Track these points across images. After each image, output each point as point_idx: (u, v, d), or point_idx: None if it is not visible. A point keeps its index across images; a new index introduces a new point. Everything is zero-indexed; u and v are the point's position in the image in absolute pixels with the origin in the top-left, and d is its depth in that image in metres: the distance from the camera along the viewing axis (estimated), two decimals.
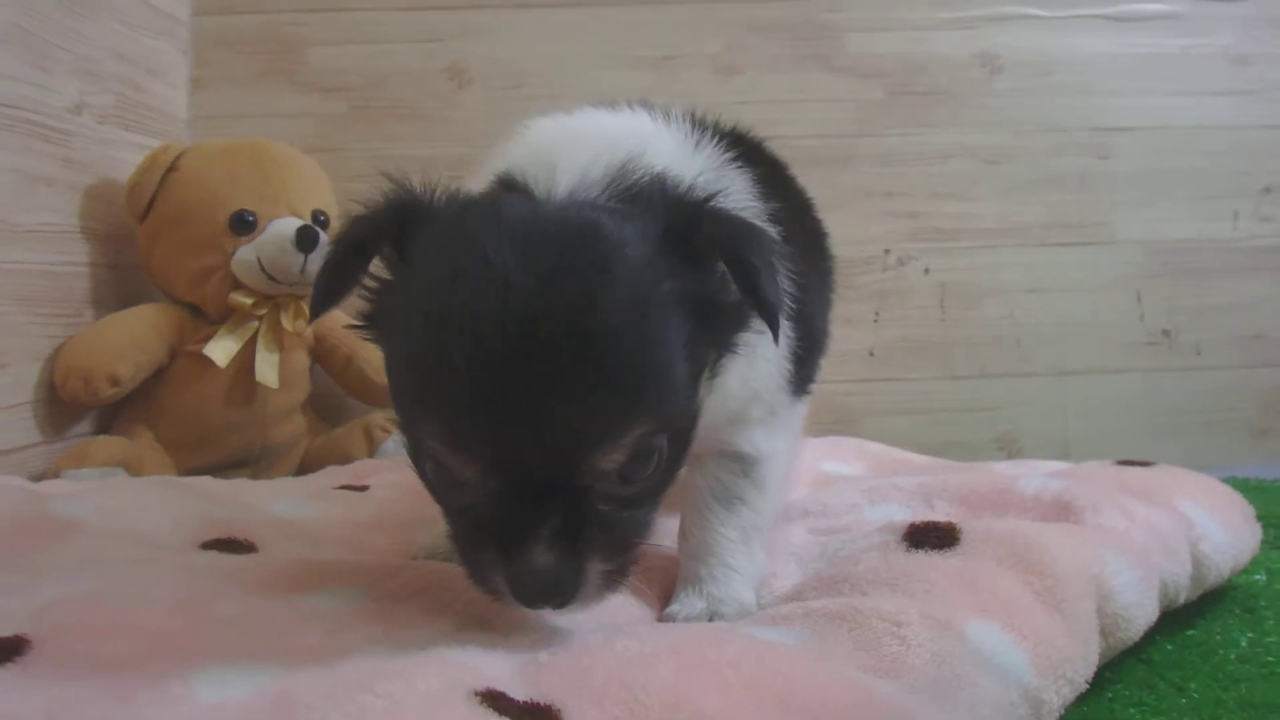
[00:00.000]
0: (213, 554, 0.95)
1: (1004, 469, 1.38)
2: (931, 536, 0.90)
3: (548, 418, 0.64)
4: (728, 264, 0.71)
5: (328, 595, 0.79)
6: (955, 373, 1.89)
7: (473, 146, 1.89)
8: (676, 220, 0.71)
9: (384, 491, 1.30)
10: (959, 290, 1.89)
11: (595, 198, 0.73)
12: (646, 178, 0.74)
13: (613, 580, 0.71)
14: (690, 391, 0.72)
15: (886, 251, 1.89)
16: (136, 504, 1.06)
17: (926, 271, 1.89)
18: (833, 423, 1.83)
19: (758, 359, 0.82)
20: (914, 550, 0.89)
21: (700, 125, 0.88)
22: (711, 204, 0.73)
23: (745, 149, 0.90)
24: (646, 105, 0.92)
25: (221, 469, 1.57)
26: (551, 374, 0.63)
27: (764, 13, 1.91)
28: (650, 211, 0.71)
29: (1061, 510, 1.03)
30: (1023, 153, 1.90)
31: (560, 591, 0.68)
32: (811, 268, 0.92)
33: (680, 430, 0.72)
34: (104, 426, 1.57)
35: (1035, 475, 1.16)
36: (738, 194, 0.81)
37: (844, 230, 1.89)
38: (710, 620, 0.85)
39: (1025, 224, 1.90)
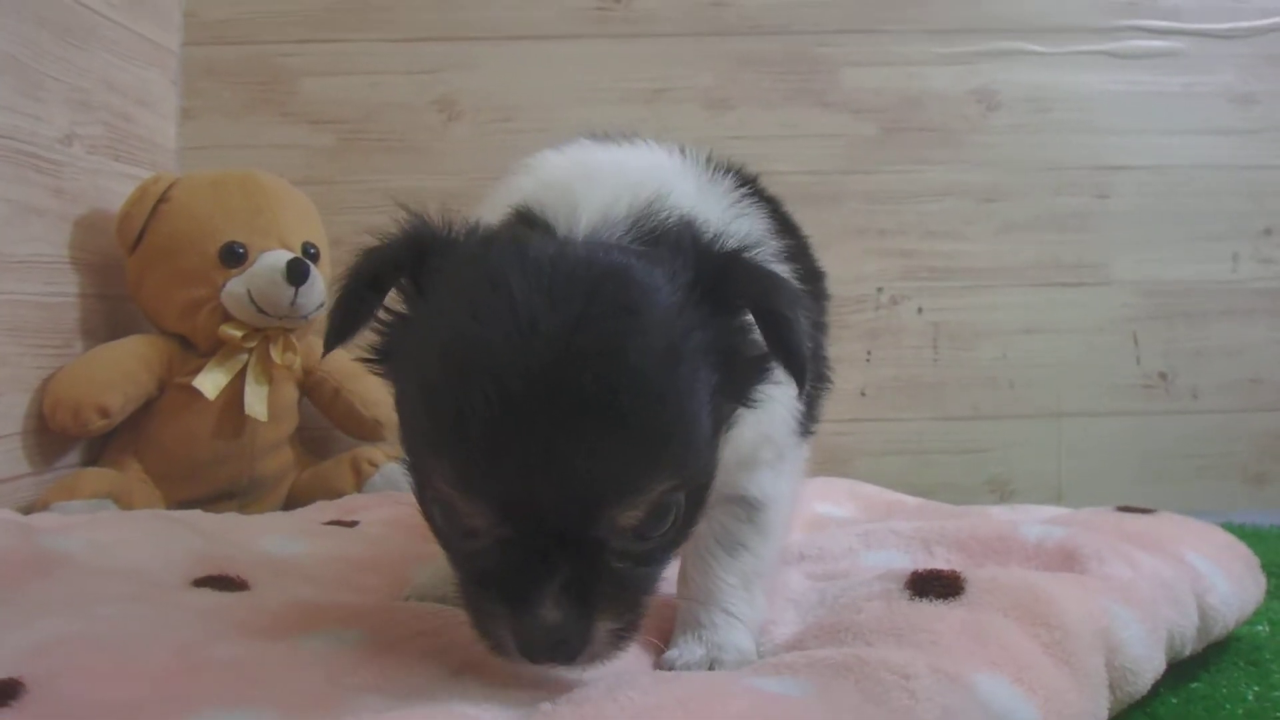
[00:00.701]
0: (205, 591, 0.95)
1: (1000, 514, 1.38)
2: (935, 585, 0.90)
3: (567, 469, 0.62)
4: (757, 316, 0.70)
5: (325, 638, 0.80)
6: (948, 413, 1.87)
7: (462, 179, 1.92)
8: (707, 269, 0.70)
9: (374, 528, 1.31)
10: (952, 330, 1.88)
11: (619, 238, 0.72)
12: (672, 220, 0.73)
13: (622, 638, 0.70)
14: (711, 446, 0.71)
15: (879, 290, 1.88)
16: (127, 539, 1.08)
17: (920, 311, 1.88)
18: (823, 463, 1.82)
19: (772, 403, 0.81)
20: (918, 599, 0.89)
21: (710, 162, 0.88)
22: (745, 255, 0.73)
23: (751, 187, 0.90)
24: (646, 139, 0.93)
25: (209, 501, 1.59)
26: (575, 423, 0.62)
27: (757, 47, 1.91)
28: (680, 257, 0.70)
29: (1066, 559, 1.03)
30: (1019, 191, 1.90)
31: (567, 649, 0.67)
32: (818, 306, 0.94)
33: (699, 487, 0.71)
34: (93, 458, 1.59)
35: (1035, 522, 1.17)
36: (755, 234, 0.81)
37: (836, 268, 1.88)
38: (710, 668, 0.84)
39: (1020, 264, 1.89)
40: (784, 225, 0.92)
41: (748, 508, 0.89)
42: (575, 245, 0.70)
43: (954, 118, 1.91)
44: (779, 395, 0.80)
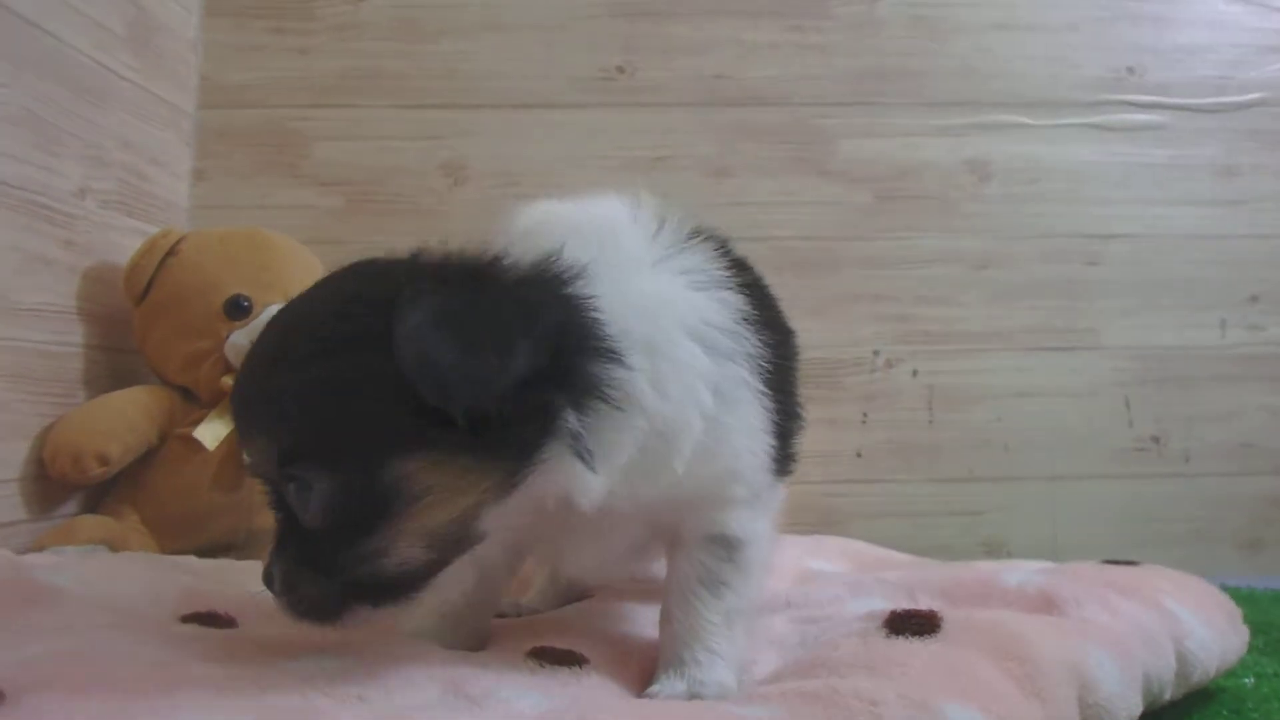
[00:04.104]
0: (193, 626, 1.00)
1: (988, 566, 1.43)
2: (912, 624, 0.95)
3: (244, 435, 0.86)
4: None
5: (306, 660, 0.85)
6: (942, 476, 1.96)
7: (465, 242, 2.00)
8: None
9: None
10: (947, 393, 1.98)
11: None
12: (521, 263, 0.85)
13: (338, 599, 0.83)
14: (364, 454, 0.80)
15: (875, 353, 1.98)
16: (118, 576, 1.13)
17: (915, 374, 1.97)
18: (818, 524, 1.91)
19: (734, 436, 0.89)
20: (894, 636, 0.94)
21: (662, 217, 0.96)
22: (412, 289, 0.80)
23: (712, 239, 0.98)
24: (634, 197, 1.00)
25: (206, 553, 1.66)
26: (251, 411, 0.85)
27: (757, 118, 2.03)
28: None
29: (1044, 603, 1.09)
30: (1011, 258, 2.01)
31: (274, 590, 0.84)
32: (782, 345, 0.98)
33: (350, 481, 0.80)
34: (90, 506, 1.68)
35: (1018, 570, 1.23)
36: (695, 266, 0.91)
37: (832, 331, 2.01)
38: (690, 700, 0.91)
39: (1013, 328, 2.00)
40: (741, 268, 0.98)
41: (727, 546, 0.95)
42: (306, 299, 0.89)
43: (948, 187, 2.03)
44: (744, 428, 0.90)
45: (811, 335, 2.01)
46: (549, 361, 0.79)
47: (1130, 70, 2.08)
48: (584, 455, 0.81)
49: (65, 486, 1.62)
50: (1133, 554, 1.87)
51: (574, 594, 1.29)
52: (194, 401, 1.72)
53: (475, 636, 1.04)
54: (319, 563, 0.82)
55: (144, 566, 1.20)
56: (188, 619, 1.02)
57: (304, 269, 1.81)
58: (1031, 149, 2.07)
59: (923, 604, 1.14)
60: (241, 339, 1.67)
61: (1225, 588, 1.44)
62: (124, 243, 1.81)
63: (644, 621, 1.14)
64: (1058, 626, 0.98)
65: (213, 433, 1.65)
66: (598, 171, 2.05)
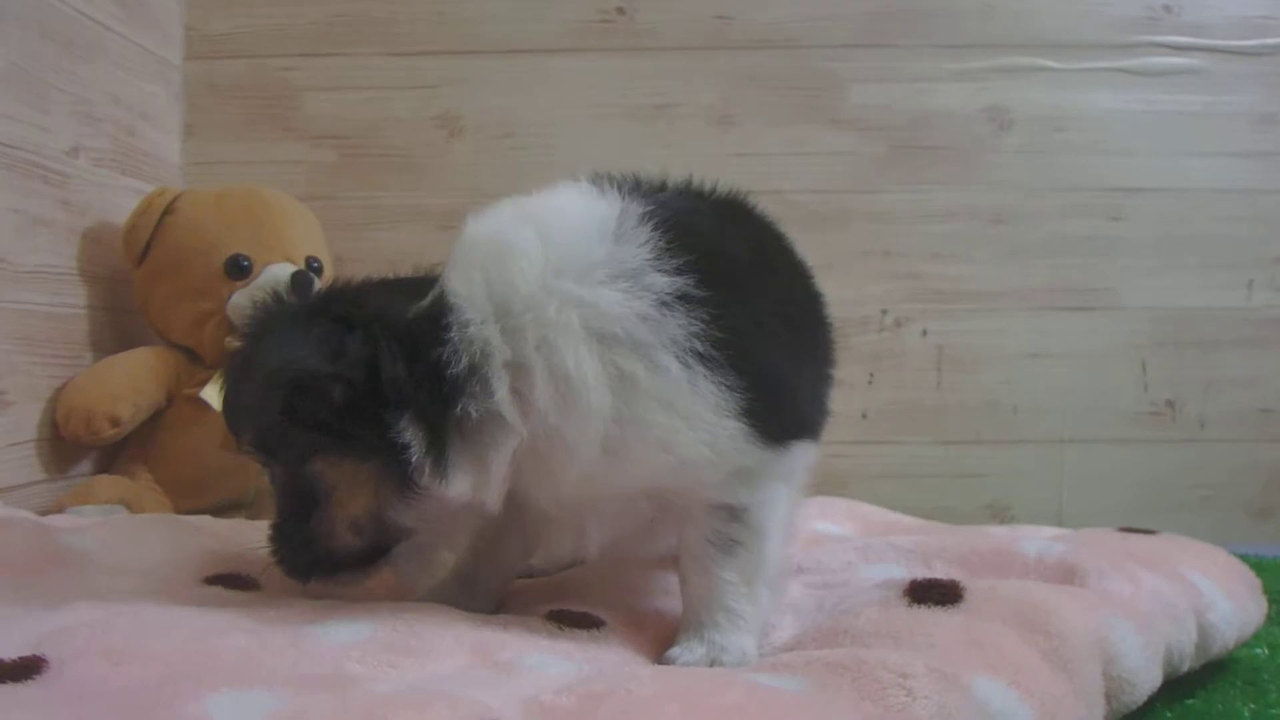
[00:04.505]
0: (217, 589, 1.02)
1: (1000, 532, 1.44)
2: (934, 593, 0.94)
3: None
4: None
5: (334, 626, 0.86)
6: (949, 438, 1.94)
7: (463, 197, 1.98)
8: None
9: None
10: (957, 354, 1.94)
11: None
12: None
13: (307, 567, 0.97)
14: (294, 445, 0.94)
15: (884, 312, 1.94)
16: (139, 539, 1.16)
17: (924, 334, 1.93)
18: (821, 485, 1.87)
19: (654, 428, 0.88)
20: (916, 606, 0.93)
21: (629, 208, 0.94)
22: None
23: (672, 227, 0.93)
24: (616, 186, 0.98)
25: (217, 510, 1.73)
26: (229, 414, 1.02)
27: (763, 62, 1.95)
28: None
29: (1066, 574, 1.08)
30: (1029, 213, 1.95)
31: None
32: (755, 312, 0.94)
33: (290, 468, 0.95)
34: (104, 467, 1.73)
35: (1035, 539, 1.22)
36: (633, 257, 0.90)
37: (840, 289, 1.95)
38: (710, 666, 0.91)
39: (1028, 287, 1.95)
40: (698, 238, 0.94)
41: (731, 511, 0.95)
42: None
43: (964, 137, 1.95)
44: (686, 413, 0.89)
45: None
46: (365, 387, 0.88)
47: (1166, 9, 1.94)
48: (426, 465, 0.87)
49: (79, 447, 1.67)
50: (1141, 520, 1.85)
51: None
52: (199, 362, 1.74)
53: (491, 599, 1.06)
54: (290, 536, 0.97)
55: (164, 529, 1.21)
56: (211, 580, 1.04)
57: (301, 227, 1.80)
58: (1055, 95, 1.97)
59: (939, 571, 1.14)
60: (243, 300, 1.67)
61: (1234, 555, 1.42)
62: (119, 202, 1.80)
63: (653, 582, 1.15)
64: (1082, 598, 0.97)
65: (219, 393, 1.66)
66: (598, 122, 1.98)
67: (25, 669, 0.72)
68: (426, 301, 0.90)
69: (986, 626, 0.87)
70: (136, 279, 1.75)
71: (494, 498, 0.91)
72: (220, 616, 0.88)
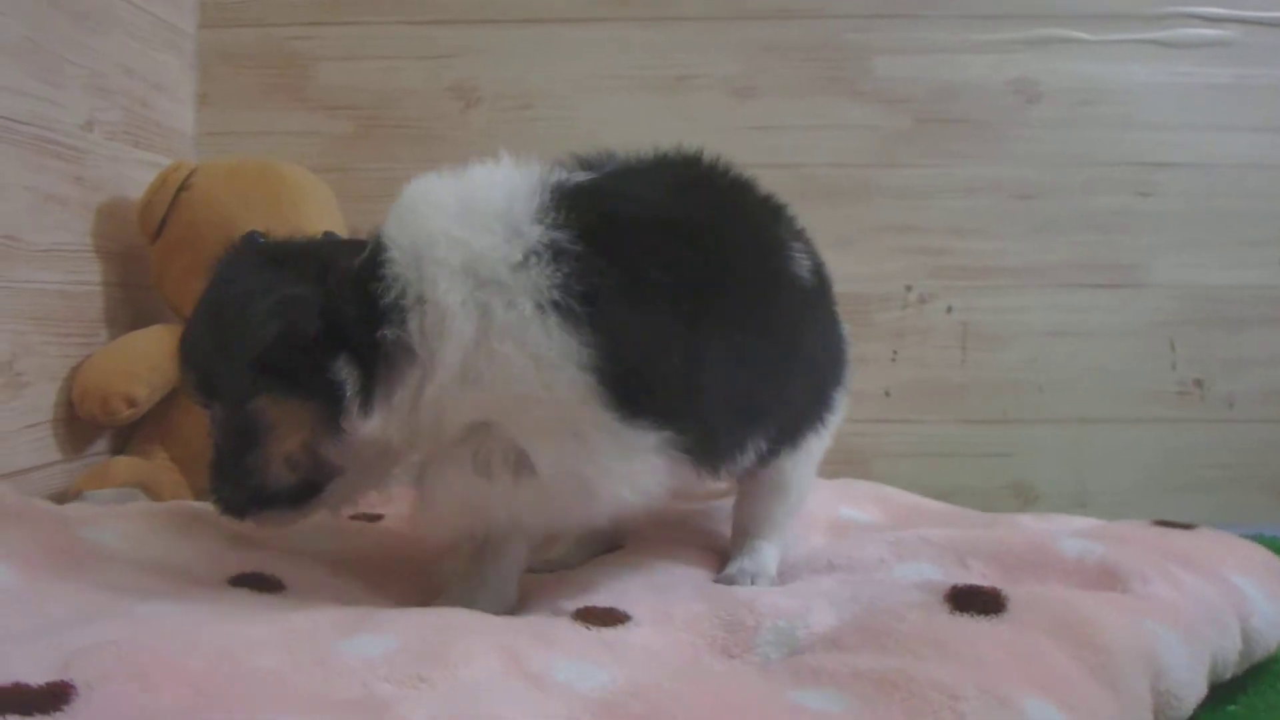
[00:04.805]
0: (243, 592, 1.03)
1: (1032, 524, 1.42)
2: (976, 601, 0.93)
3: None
4: None
5: (361, 639, 0.86)
6: (972, 416, 1.92)
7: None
8: None
9: (398, 523, 1.37)
10: (981, 331, 1.92)
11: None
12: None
13: (245, 503, 1.05)
14: (235, 389, 1.02)
15: (908, 288, 1.91)
16: (161, 531, 1.15)
17: (949, 310, 1.91)
18: (842, 464, 1.87)
19: (524, 363, 0.93)
20: (958, 614, 0.92)
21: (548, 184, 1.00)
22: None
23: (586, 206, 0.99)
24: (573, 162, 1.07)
25: None
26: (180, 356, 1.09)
27: (784, 32, 1.92)
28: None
29: (1107, 577, 1.06)
30: (1055, 188, 1.92)
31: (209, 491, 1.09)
32: (634, 275, 0.96)
33: (230, 411, 1.04)
34: (120, 446, 1.71)
35: (1070, 535, 1.20)
36: (522, 211, 0.97)
37: (862, 265, 1.94)
38: (752, 582, 1.13)
39: (1054, 264, 1.92)
40: (592, 201, 0.99)
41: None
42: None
43: (991, 110, 1.92)
44: (523, 362, 0.94)
45: (840, 269, 1.93)
46: (321, 326, 0.96)
47: None
48: (355, 403, 0.97)
49: (95, 427, 1.65)
50: (1166, 500, 1.85)
51: (601, 547, 1.30)
52: None
53: (511, 597, 1.09)
54: (228, 473, 1.05)
55: (184, 519, 1.20)
56: (237, 581, 1.05)
57: (317, 202, 1.77)
58: (1084, 67, 1.93)
59: (974, 570, 1.12)
60: None
61: (1261, 538, 1.40)
62: (134, 175, 1.78)
63: (678, 572, 1.16)
64: (1127, 608, 0.95)
65: None
66: (615, 93, 1.95)
67: (54, 698, 0.70)
68: (367, 250, 1.00)
69: (1031, 640, 0.86)
70: (152, 255, 1.73)
71: (398, 434, 0.98)
72: (249, 629, 0.86)
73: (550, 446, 0.95)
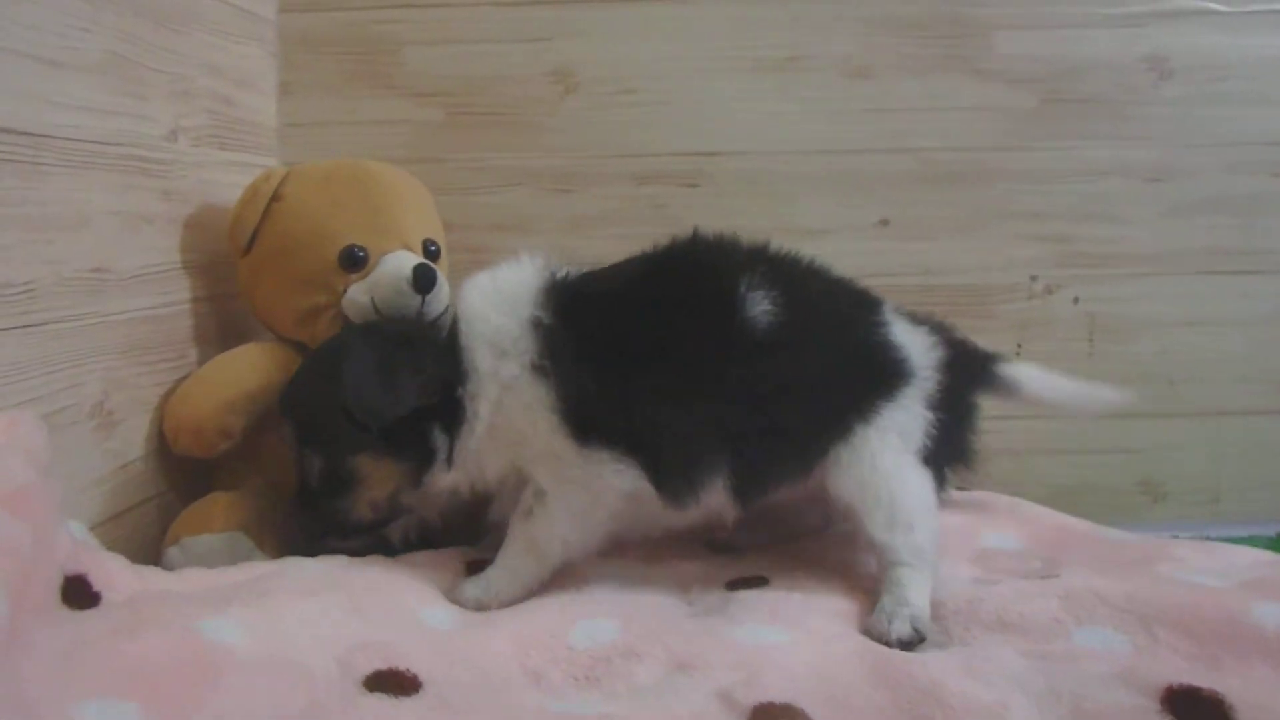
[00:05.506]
0: (379, 698, 0.98)
1: (1193, 558, 1.34)
2: (1198, 711, 0.89)
3: None
4: None
5: None
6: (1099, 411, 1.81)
7: (579, 157, 1.86)
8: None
9: None
10: (1109, 322, 1.85)
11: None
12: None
13: (324, 532, 1.35)
14: (337, 446, 1.31)
15: (1033, 278, 1.83)
16: (286, 621, 1.08)
17: (1076, 301, 1.83)
18: None
19: (521, 415, 1.27)
20: None
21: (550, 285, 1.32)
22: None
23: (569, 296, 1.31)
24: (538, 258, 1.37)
25: None
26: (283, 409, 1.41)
27: (901, 8, 1.85)
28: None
29: None
30: (1188, 170, 1.84)
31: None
32: (587, 340, 1.27)
33: (329, 460, 1.32)
34: (212, 470, 1.62)
35: (1260, 598, 1.11)
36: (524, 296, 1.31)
37: (984, 254, 1.86)
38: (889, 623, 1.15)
39: (1187, 250, 1.86)
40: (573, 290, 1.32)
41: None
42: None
43: (1120, 88, 1.83)
44: (521, 414, 1.29)
45: (961, 258, 1.88)
46: (436, 395, 1.27)
47: None
48: (443, 462, 1.30)
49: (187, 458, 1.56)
50: None
51: (767, 532, 1.48)
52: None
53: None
54: (316, 509, 1.34)
55: (309, 605, 1.12)
56: (371, 683, 1.00)
57: (415, 207, 1.66)
58: (1218, 40, 1.83)
59: (1163, 641, 1.06)
60: (361, 295, 1.54)
61: None
62: (220, 179, 1.69)
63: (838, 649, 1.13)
64: None
65: None
66: (723, 75, 1.85)
67: None
68: (448, 326, 1.34)
69: None
70: (241, 268, 1.63)
71: (461, 481, 1.32)
72: None
73: (544, 468, 1.27)
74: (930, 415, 1.31)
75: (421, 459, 1.29)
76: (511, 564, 1.28)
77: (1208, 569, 1.28)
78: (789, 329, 1.27)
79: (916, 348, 1.34)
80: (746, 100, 1.85)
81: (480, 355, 1.27)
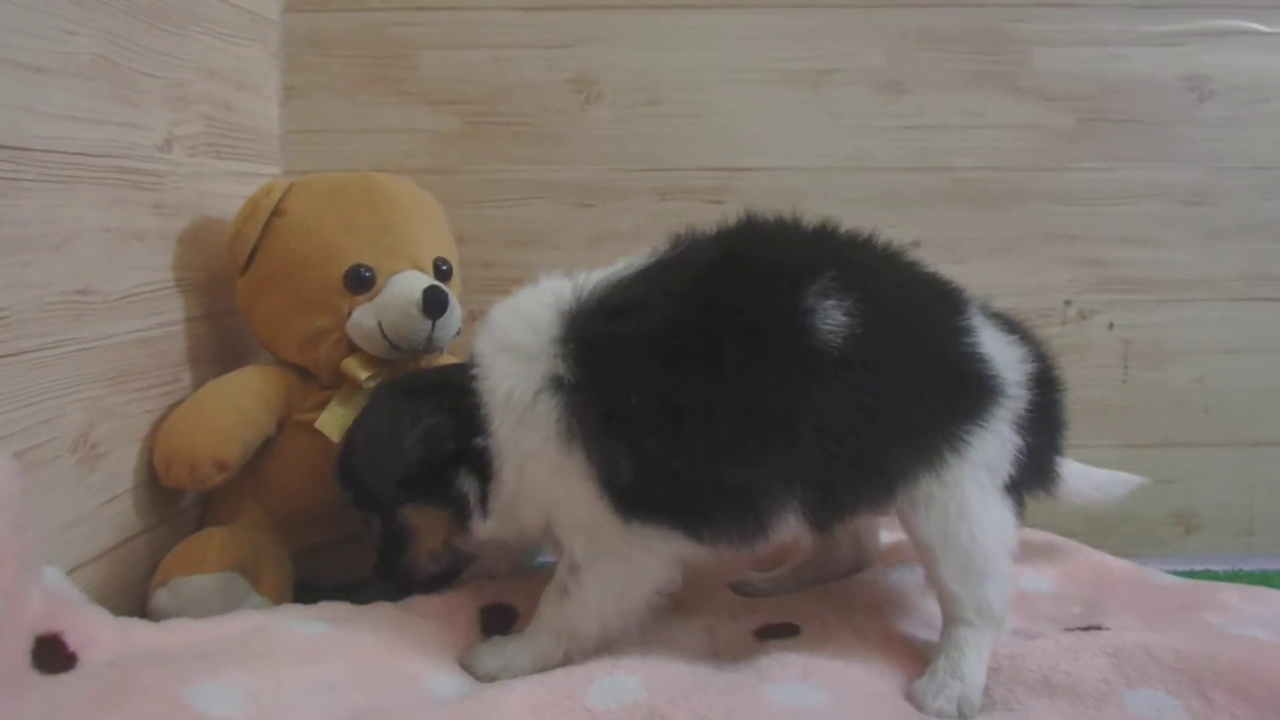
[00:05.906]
0: None
1: (1241, 605, 1.31)
2: None
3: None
4: None
5: None
6: (1134, 440, 1.81)
7: (601, 169, 1.78)
8: None
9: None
10: (1145, 349, 1.81)
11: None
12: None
13: (404, 589, 1.33)
14: (388, 504, 1.28)
15: (1067, 303, 1.78)
16: (287, 691, 1.01)
17: (1110, 327, 1.78)
18: None
19: (546, 476, 1.16)
20: None
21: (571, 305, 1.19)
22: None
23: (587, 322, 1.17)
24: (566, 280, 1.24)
25: (336, 545, 1.52)
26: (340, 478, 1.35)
27: (937, 22, 1.78)
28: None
29: None
30: (1227, 193, 1.81)
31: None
32: (612, 399, 1.12)
33: (387, 520, 1.30)
34: (207, 502, 1.55)
35: None
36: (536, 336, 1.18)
37: (1018, 276, 1.80)
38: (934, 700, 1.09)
39: (1225, 275, 1.82)
40: (594, 329, 1.16)
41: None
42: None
43: (1160, 108, 1.79)
44: (569, 482, 1.18)
45: (994, 280, 1.82)
46: (452, 445, 1.20)
47: None
48: (477, 510, 1.22)
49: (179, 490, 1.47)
50: None
51: (808, 575, 1.46)
52: (313, 381, 1.53)
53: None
54: (389, 571, 1.32)
55: (308, 672, 1.04)
56: None
57: (426, 223, 1.58)
58: (1260, 61, 1.79)
59: (1219, 707, 1.03)
60: (367, 318, 1.46)
61: None
62: (216, 190, 1.59)
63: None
64: None
65: (337, 421, 1.48)
66: (752, 87, 1.78)
67: None
68: (468, 373, 1.21)
69: None
70: (240, 288, 1.54)
71: (507, 530, 1.23)
72: None
73: (580, 537, 1.17)
74: (1019, 441, 1.18)
75: (459, 506, 1.23)
76: (539, 645, 1.19)
77: (1257, 618, 1.25)
78: (866, 344, 1.11)
79: (1007, 361, 1.20)
80: (775, 114, 1.78)
81: (496, 417, 1.17)
